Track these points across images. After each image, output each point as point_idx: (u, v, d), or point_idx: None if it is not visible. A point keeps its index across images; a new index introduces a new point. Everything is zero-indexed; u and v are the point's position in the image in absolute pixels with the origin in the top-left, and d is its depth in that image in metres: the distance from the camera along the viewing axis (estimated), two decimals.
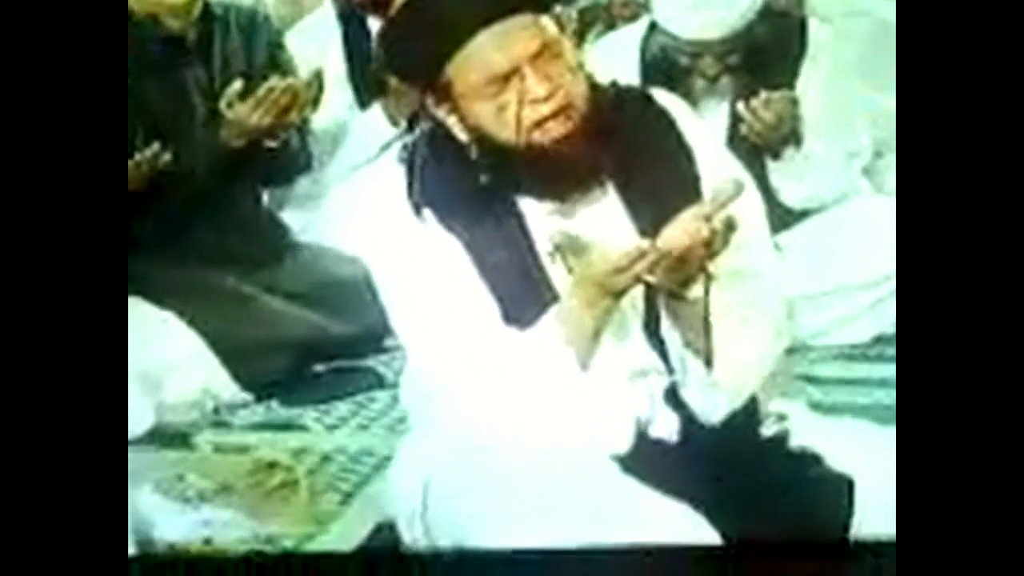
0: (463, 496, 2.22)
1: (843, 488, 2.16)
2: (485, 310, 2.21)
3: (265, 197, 3.88)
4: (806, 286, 3.40)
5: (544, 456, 2.16)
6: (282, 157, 3.68)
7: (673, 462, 2.19)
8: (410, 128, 4.04)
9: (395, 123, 4.10)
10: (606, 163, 2.22)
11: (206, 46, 3.60)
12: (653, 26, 3.59)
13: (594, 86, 2.23)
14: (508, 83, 2.14)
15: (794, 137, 3.51)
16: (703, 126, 2.41)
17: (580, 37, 4.47)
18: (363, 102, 4.14)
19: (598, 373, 2.19)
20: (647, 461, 2.18)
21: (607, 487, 2.14)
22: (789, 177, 3.54)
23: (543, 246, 2.19)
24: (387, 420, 3.36)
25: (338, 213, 3.91)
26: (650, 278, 2.10)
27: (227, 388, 3.45)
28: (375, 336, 3.55)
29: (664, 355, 2.22)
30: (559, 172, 2.19)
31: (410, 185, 2.24)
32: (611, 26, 4.55)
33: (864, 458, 2.18)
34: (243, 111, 3.46)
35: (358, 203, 2.40)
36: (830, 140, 3.56)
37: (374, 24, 4.10)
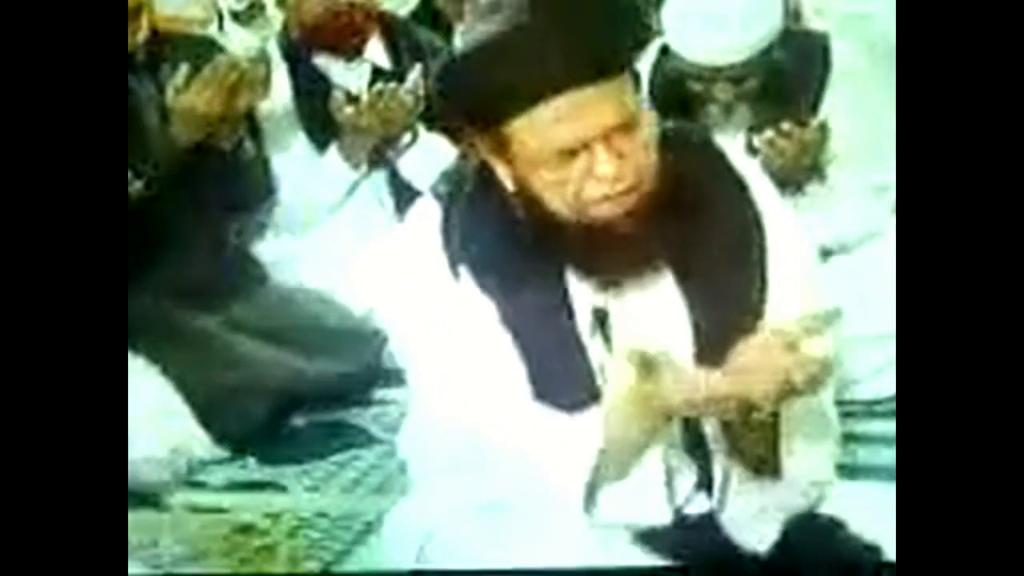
0: (463, 561, 2.07)
1: (870, 557, 2.01)
2: (515, 380, 2.04)
3: (233, 230, 3.73)
4: None
5: (555, 523, 2.01)
6: (241, 174, 3.56)
7: (697, 536, 2.05)
8: (370, 169, 3.98)
9: (355, 167, 3.98)
10: (667, 244, 2.03)
11: (155, 66, 3.49)
12: (664, 50, 3.38)
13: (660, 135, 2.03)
14: (574, 157, 1.93)
15: (817, 170, 3.33)
16: (778, 201, 2.18)
17: None
18: (319, 143, 3.99)
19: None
20: (667, 534, 2.03)
21: (625, 559, 2.00)
22: (812, 215, 3.25)
23: (585, 322, 2.03)
24: (373, 480, 3.19)
25: (316, 251, 3.82)
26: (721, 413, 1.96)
27: (200, 443, 3.28)
28: (359, 387, 3.42)
29: (706, 469, 2.06)
30: (613, 250, 2.00)
31: (446, 236, 2.06)
32: None
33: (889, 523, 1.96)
34: (190, 97, 3.35)
35: (379, 249, 2.29)
36: (856, 172, 3.35)
37: (320, 61, 4.04)
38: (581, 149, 1.92)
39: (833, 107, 3.37)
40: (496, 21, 1.91)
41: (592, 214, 1.96)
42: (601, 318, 2.01)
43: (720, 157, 2.13)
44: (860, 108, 3.38)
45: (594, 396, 2.03)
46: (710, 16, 3.23)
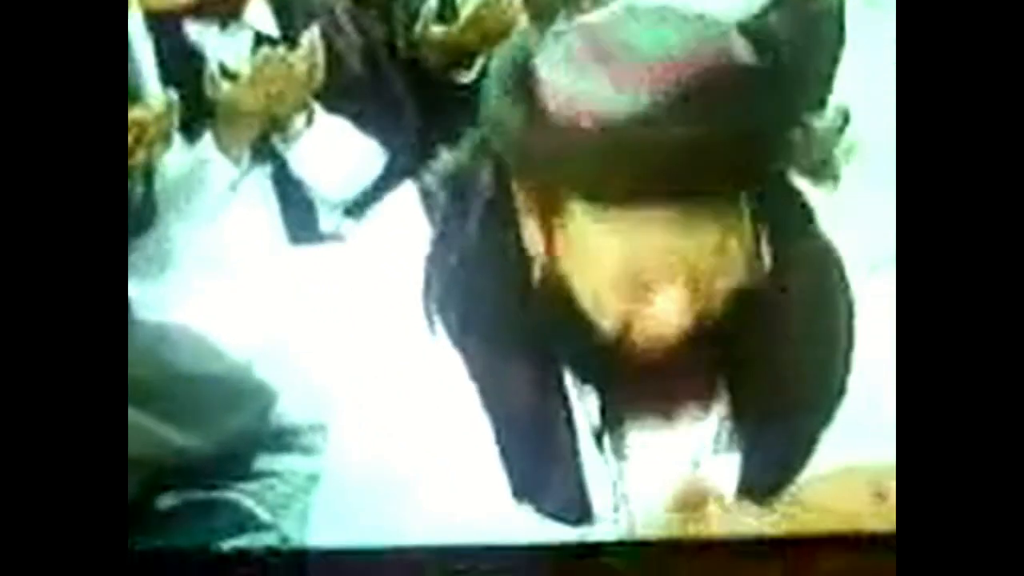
0: None
1: None
2: (491, 476, 1.79)
3: None
4: None
5: None
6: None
7: None
8: (253, 163, 3.53)
9: (236, 162, 3.49)
10: (719, 376, 1.80)
11: None
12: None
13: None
14: (644, 284, 1.66)
15: (830, 171, 2.79)
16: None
17: None
18: (190, 134, 3.50)
19: None
20: None
21: None
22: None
23: (586, 430, 1.78)
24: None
25: (188, 283, 3.37)
26: None
27: None
28: (239, 457, 2.97)
29: None
30: (646, 385, 1.75)
31: (432, 268, 1.78)
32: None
33: None
34: None
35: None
36: (880, 172, 2.77)
37: (192, 30, 3.56)
38: (657, 277, 1.65)
39: (847, 90, 2.93)
40: (634, 95, 1.60)
41: (635, 337, 1.69)
42: (615, 438, 1.78)
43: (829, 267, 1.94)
44: (885, 90, 2.86)
45: (586, 514, 1.79)
46: None
